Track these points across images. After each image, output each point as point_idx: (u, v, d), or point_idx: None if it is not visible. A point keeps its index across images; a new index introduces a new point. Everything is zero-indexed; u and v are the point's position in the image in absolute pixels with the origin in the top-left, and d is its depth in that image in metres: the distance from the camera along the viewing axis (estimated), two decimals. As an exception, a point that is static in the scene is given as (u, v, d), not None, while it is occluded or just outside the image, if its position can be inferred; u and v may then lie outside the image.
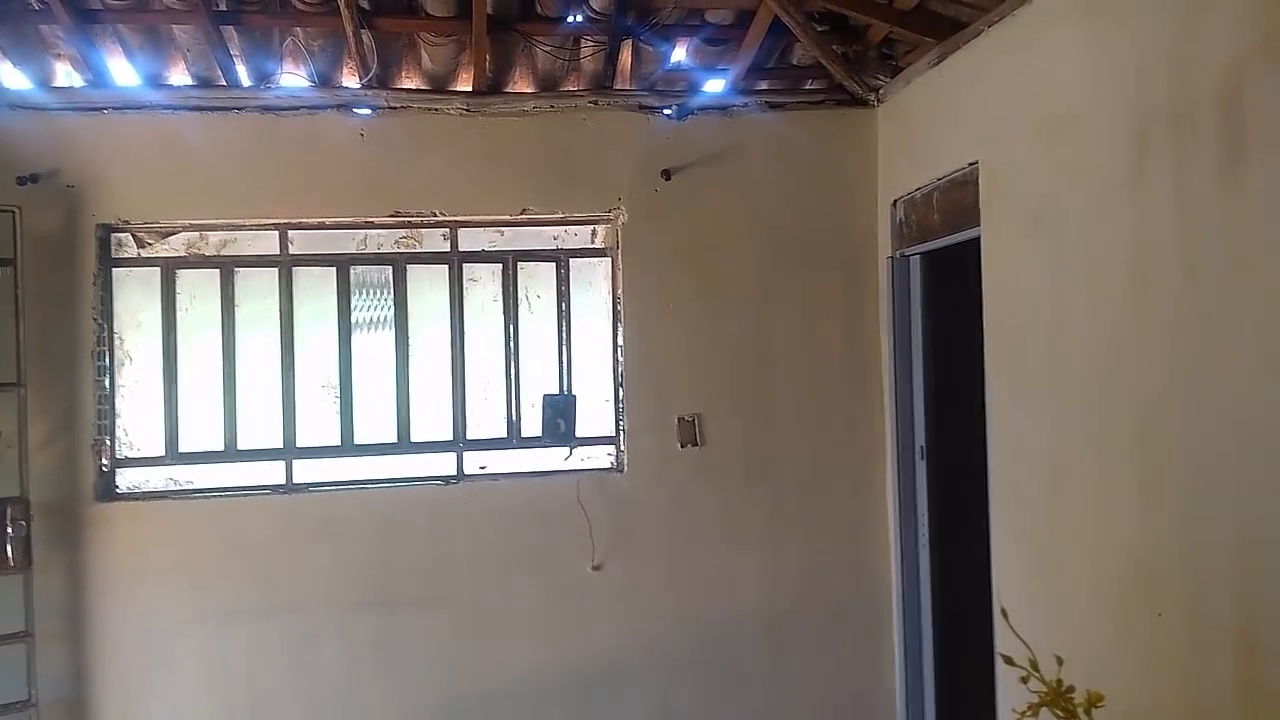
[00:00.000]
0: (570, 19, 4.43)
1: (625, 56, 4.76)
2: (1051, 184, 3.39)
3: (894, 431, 4.81)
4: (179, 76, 4.60)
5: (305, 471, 4.71)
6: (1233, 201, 2.53)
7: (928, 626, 4.71)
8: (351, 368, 4.76)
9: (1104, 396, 3.11)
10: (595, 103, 4.79)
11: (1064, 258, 3.32)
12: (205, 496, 4.62)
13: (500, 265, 4.88)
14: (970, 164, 3.98)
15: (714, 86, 4.85)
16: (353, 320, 4.79)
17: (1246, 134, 2.48)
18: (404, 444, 4.78)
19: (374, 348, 4.80)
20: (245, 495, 4.63)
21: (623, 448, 4.85)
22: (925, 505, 4.71)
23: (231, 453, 4.68)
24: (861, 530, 4.92)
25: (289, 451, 4.70)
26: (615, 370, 4.90)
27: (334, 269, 4.77)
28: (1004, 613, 2.28)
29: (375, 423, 4.78)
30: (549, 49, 4.61)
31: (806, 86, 5.01)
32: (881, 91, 4.87)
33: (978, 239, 3.91)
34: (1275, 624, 2.43)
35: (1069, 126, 3.27)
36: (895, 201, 4.78)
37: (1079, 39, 3.22)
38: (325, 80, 4.65)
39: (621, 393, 4.85)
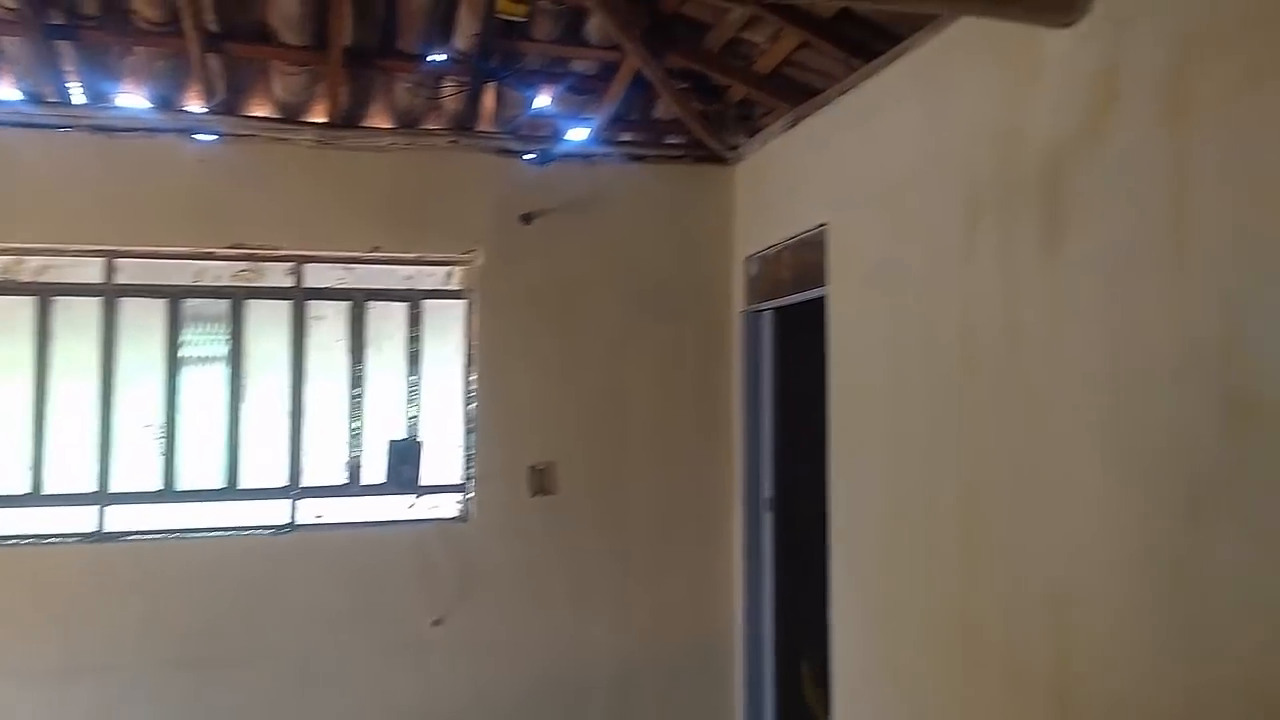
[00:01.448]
0: (432, 58, 4.36)
1: (488, 99, 4.71)
2: (892, 248, 3.51)
3: (742, 482, 4.84)
4: (5, 90, 4.27)
5: (120, 518, 4.36)
6: (1051, 272, 2.66)
7: (769, 675, 4.73)
8: (178, 407, 4.46)
9: (934, 453, 3.21)
10: (455, 143, 4.71)
11: (901, 319, 3.43)
12: (3, 544, 4.20)
13: (348, 304, 4.70)
14: (819, 225, 4.09)
15: (577, 135, 4.86)
16: (182, 356, 4.50)
17: (1064, 211, 2.62)
18: (232, 490, 4.50)
19: (205, 386, 4.52)
20: (50, 543, 4.24)
21: (471, 496, 4.71)
22: (770, 555, 4.74)
23: (37, 497, 4.29)
24: (709, 580, 4.91)
25: (102, 496, 4.35)
26: (466, 416, 4.77)
27: (164, 301, 4.48)
28: (811, 676, 2.27)
29: (201, 467, 4.48)
30: (409, 86, 4.52)
31: (668, 141, 5.08)
32: (739, 150, 4.98)
33: (825, 297, 4.01)
34: (1084, 675, 2.51)
35: (908, 194, 3.40)
36: (749, 257, 4.87)
37: (918, 112, 3.36)
38: (167, 103, 4.41)
39: (472, 439, 4.72)
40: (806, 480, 4.37)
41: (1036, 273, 2.73)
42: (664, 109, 4.91)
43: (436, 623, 4.56)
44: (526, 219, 4.75)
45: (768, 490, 4.76)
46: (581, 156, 4.89)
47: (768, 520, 4.76)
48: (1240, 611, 2.05)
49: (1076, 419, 2.56)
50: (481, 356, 4.72)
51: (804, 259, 4.29)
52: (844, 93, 3.91)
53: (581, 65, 4.60)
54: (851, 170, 3.85)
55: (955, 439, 3.10)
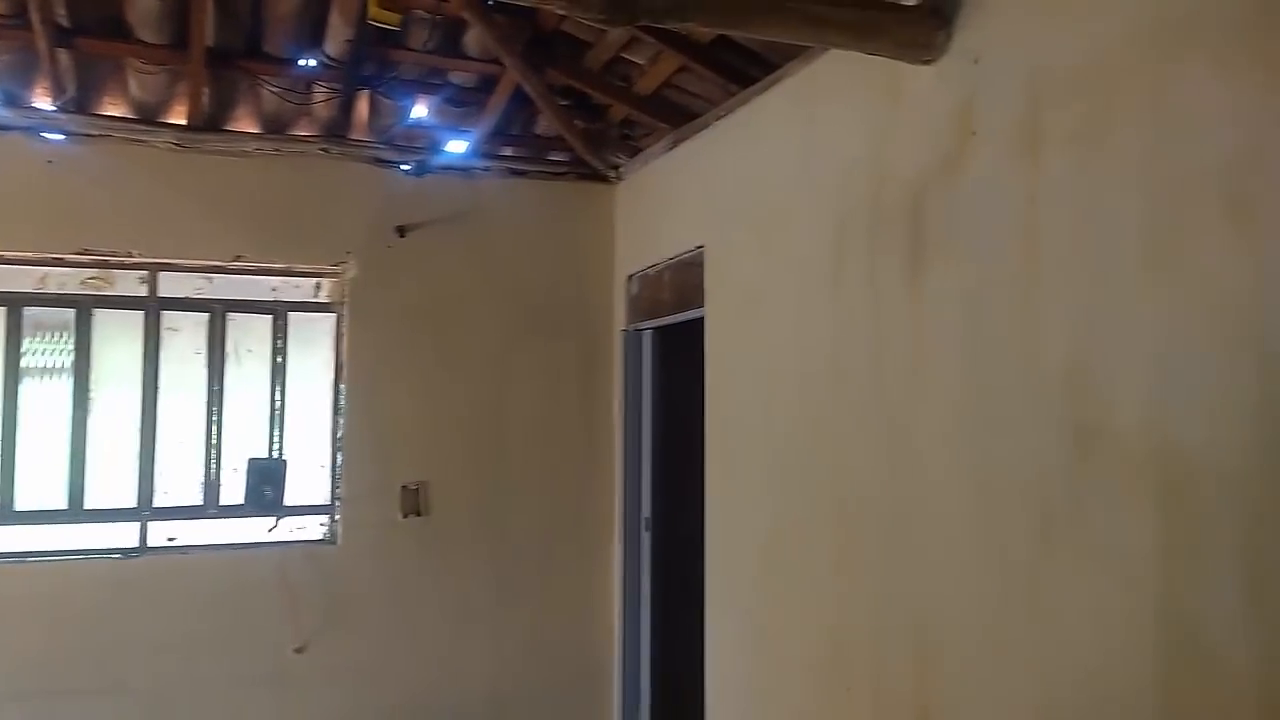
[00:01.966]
0: (302, 62, 4.21)
1: (362, 107, 4.58)
2: (766, 273, 3.54)
3: (622, 502, 4.82)
4: None
5: (-52, 542, 4.03)
6: (914, 302, 2.73)
7: (645, 697, 4.70)
8: (16, 422, 4.16)
9: (806, 477, 3.24)
10: (327, 151, 4.55)
11: (775, 343, 3.47)
12: None
13: (207, 315, 4.48)
14: (698, 247, 4.10)
15: (456, 147, 4.77)
16: (22, 367, 4.20)
17: (926, 242, 2.69)
18: (77, 511, 4.21)
19: (47, 400, 4.23)
20: None
21: (338, 517, 4.54)
22: (649, 576, 4.72)
23: None
24: (588, 602, 4.86)
25: (-71, 518, 4.01)
26: (335, 434, 4.60)
27: (4, 309, 4.18)
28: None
29: (43, 486, 4.18)
30: (277, 90, 4.34)
31: (550, 157, 5.03)
32: (621, 169, 4.97)
33: (704, 319, 4.02)
34: (944, 697, 2.56)
35: (782, 220, 3.44)
36: (631, 276, 4.86)
37: (792, 139, 3.41)
38: (12, 99, 4.12)
39: (340, 458, 4.55)
40: (688, 501, 4.38)
41: (901, 301, 2.79)
42: (546, 125, 4.87)
43: (299, 650, 4.36)
44: (401, 231, 4.63)
45: (647, 510, 4.75)
46: (460, 170, 4.80)
47: (647, 541, 4.74)
48: (1086, 631, 2.12)
49: (939, 445, 2.62)
50: (352, 372, 4.56)
51: (683, 280, 4.31)
52: (722, 117, 3.95)
53: (460, 77, 4.51)
54: (729, 194, 3.88)
55: (826, 463, 3.14)
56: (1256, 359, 1.76)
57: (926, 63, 2.69)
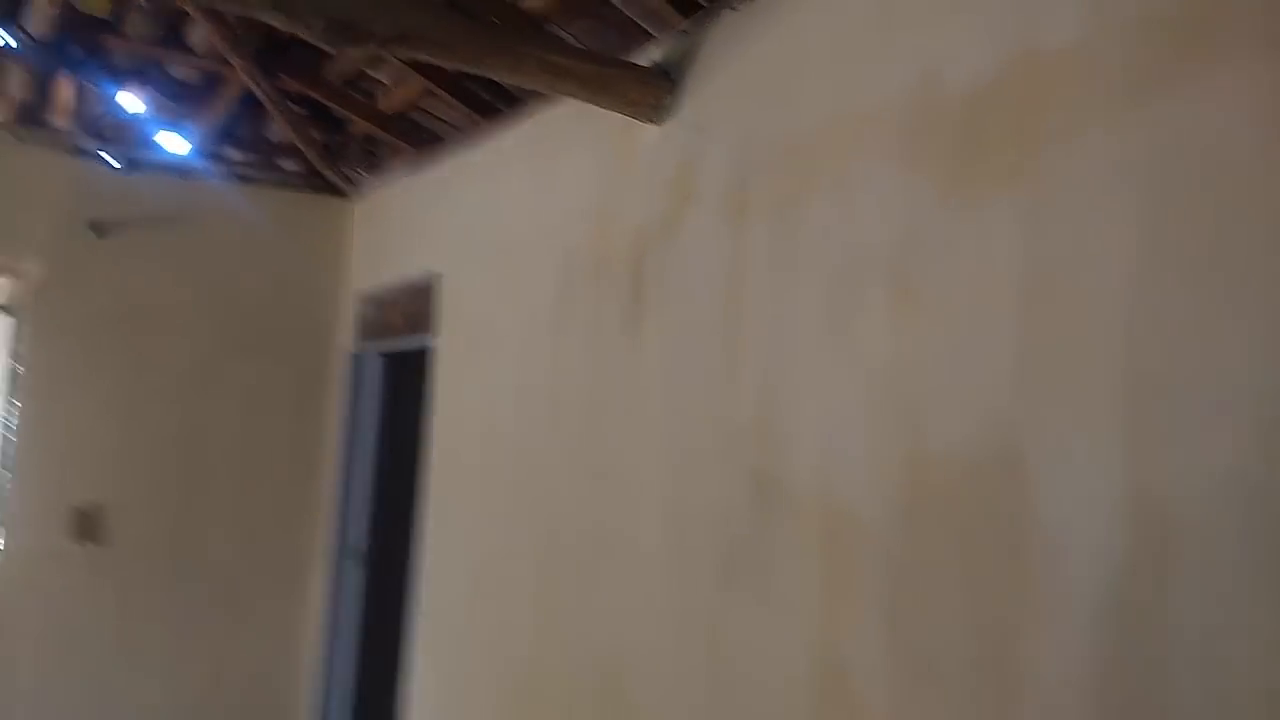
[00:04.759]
0: (-6, 34, 3.74)
1: (65, 92, 4.13)
2: (495, 309, 3.54)
3: (333, 534, 4.60)
4: None
5: None
6: (630, 352, 2.82)
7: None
8: None
9: (517, 515, 3.25)
10: (17, 136, 4.06)
11: (499, 378, 3.46)
12: None
13: None
14: (432, 274, 4.03)
15: (174, 145, 4.41)
16: None
17: (644, 295, 2.79)
18: None
19: None
20: None
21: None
22: (357, 611, 4.53)
23: None
24: (286, 639, 4.59)
25: None
26: (2, 450, 4.07)
27: None
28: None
29: None
30: (-43, 60, 3.83)
31: (281, 166, 4.77)
32: (360, 186, 4.81)
33: (433, 348, 3.95)
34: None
35: (514, 258, 3.46)
36: (363, 297, 4.69)
37: (530, 180, 3.44)
38: None
39: (5, 477, 4.03)
40: (409, 534, 4.25)
41: (619, 349, 2.87)
42: (279, 132, 4.61)
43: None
44: (99, 230, 4.20)
45: (361, 542, 4.56)
46: (177, 169, 4.44)
47: (357, 575, 4.55)
48: (754, 672, 2.26)
49: (641, 489, 2.71)
50: (29, 382, 4.07)
51: (416, 306, 4.21)
52: (465, 146, 3.92)
53: (181, 71, 4.19)
54: (467, 224, 3.85)
55: (537, 502, 3.16)
56: (902, 423, 1.96)
57: (655, 122, 2.80)
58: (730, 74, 2.58)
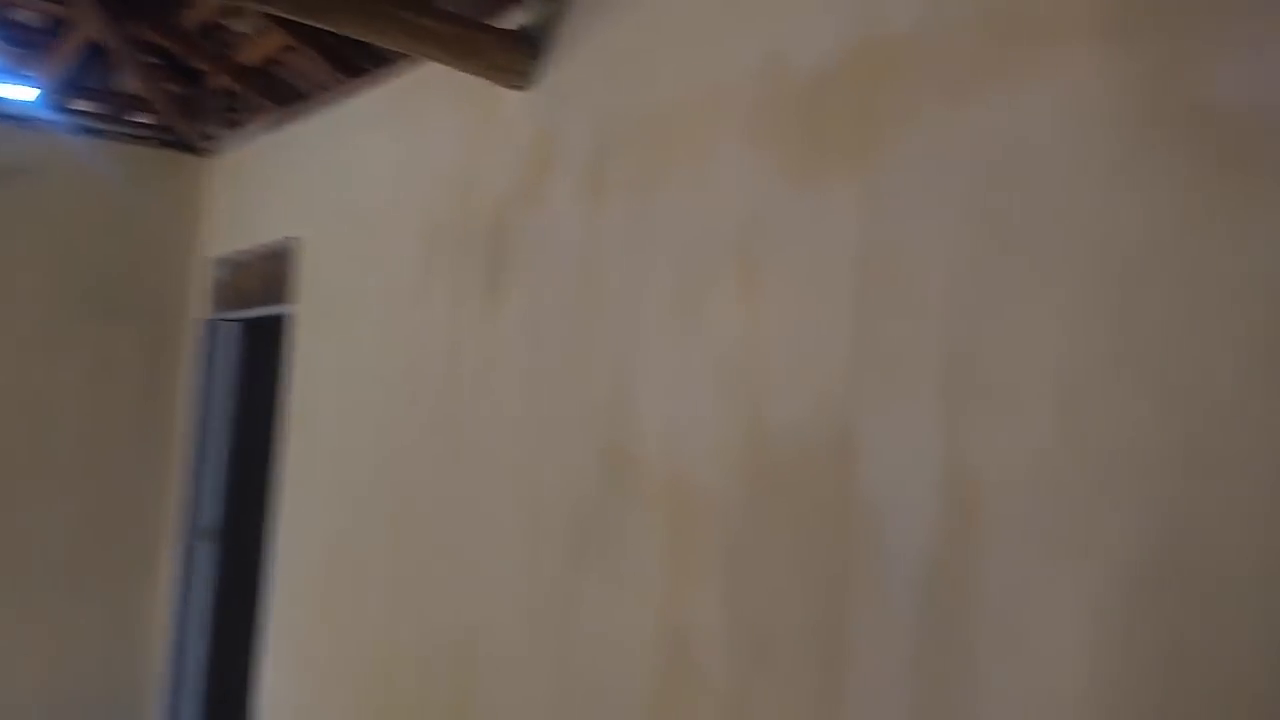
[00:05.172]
0: None
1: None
2: (356, 276, 3.43)
3: (183, 511, 4.40)
4: None
5: None
6: (489, 323, 2.76)
7: (194, 723, 4.33)
8: None
9: (374, 491, 3.17)
10: None
11: (359, 349, 3.36)
12: None
13: None
14: (292, 238, 3.87)
15: (18, 94, 4.10)
16: None
17: (504, 266, 2.73)
18: None
19: None
20: None
21: None
22: (208, 594, 4.35)
23: None
24: (131, 623, 4.38)
25: None
26: None
27: None
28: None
29: None
30: None
31: (132, 119, 4.50)
32: (218, 143, 4.58)
33: (291, 315, 3.80)
34: (479, 714, 2.61)
35: (376, 224, 3.35)
36: (219, 261, 4.48)
37: (394, 143, 3.33)
38: None
39: None
40: (266, 511, 4.10)
41: (478, 321, 2.81)
42: (130, 83, 4.34)
43: None
44: (-78, 180, 3.89)
45: (214, 521, 4.37)
46: (14, 118, 4.14)
47: (210, 555, 4.36)
48: (603, 647, 2.25)
49: (498, 465, 2.66)
50: None
51: (275, 271, 4.04)
52: (328, 105, 3.77)
53: (23, 15, 3.89)
54: (328, 187, 3.71)
55: (394, 478, 3.08)
56: (746, 402, 1.97)
57: (518, 89, 2.74)
58: (592, 44, 2.54)
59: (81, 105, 4.35)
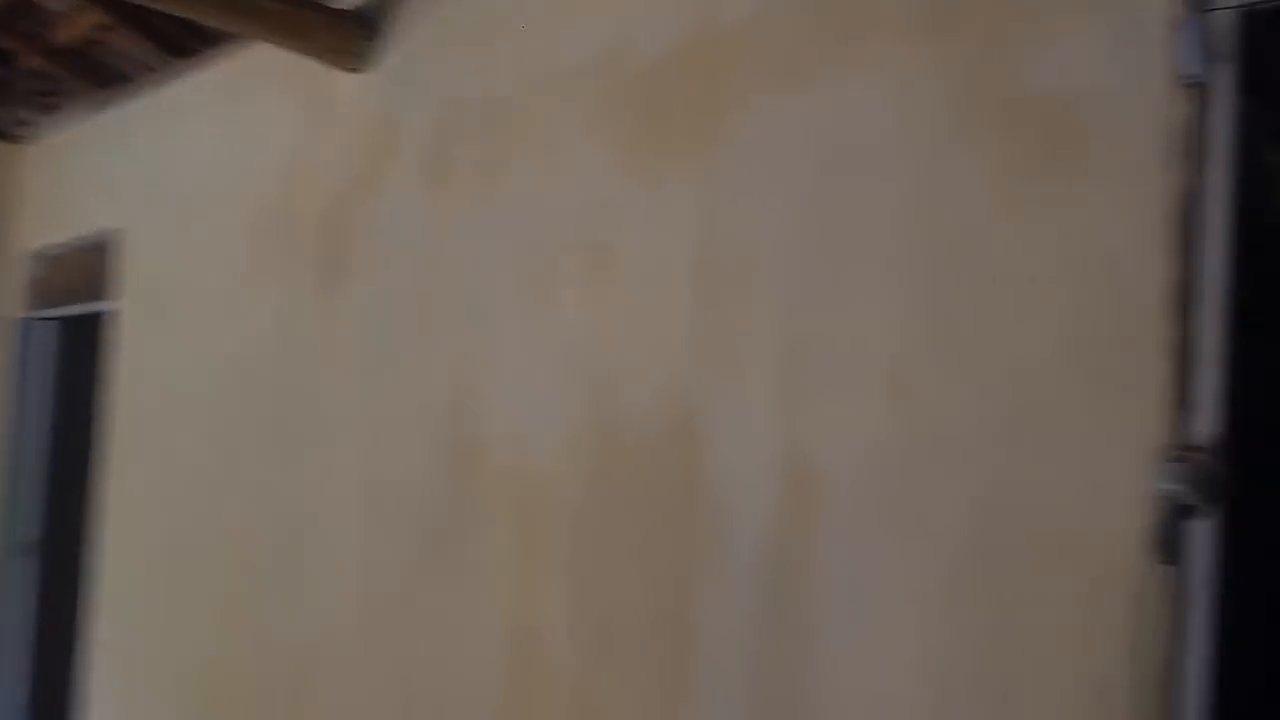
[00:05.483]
0: None
1: None
2: (182, 268, 3.24)
3: (1, 523, 4.06)
4: None
5: None
6: (326, 317, 2.65)
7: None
8: None
9: (207, 497, 3.00)
10: None
11: (185, 346, 3.17)
12: None
13: None
14: (113, 229, 3.62)
15: None
16: None
17: (342, 257, 2.62)
18: None
19: None
20: None
21: None
22: (28, 609, 4.03)
23: None
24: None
25: None
26: None
27: None
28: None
29: None
30: None
31: (-69, 101, 4.11)
32: (32, 129, 4.23)
33: (113, 312, 3.55)
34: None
35: (203, 213, 3.17)
36: (33, 255, 4.15)
37: (222, 128, 3.15)
38: None
39: None
40: (86, 523, 3.82)
41: (315, 315, 2.69)
42: (-73, 60, 3.96)
43: None
44: None
45: (32, 533, 4.05)
46: None
47: (28, 569, 4.03)
48: (452, 645, 2.19)
49: (338, 465, 2.55)
50: None
51: (95, 265, 3.76)
52: (152, 88, 3.53)
53: None
54: (152, 175, 3.48)
55: (227, 482, 2.92)
56: (592, 392, 1.95)
57: (353, 71, 2.63)
58: (432, 27, 2.46)
59: None
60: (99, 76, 3.85)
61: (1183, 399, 1.25)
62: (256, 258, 2.89)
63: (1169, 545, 1.22)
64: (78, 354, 4.11)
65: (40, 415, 4.10)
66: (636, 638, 1.84)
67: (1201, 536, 1.23)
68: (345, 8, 2.62)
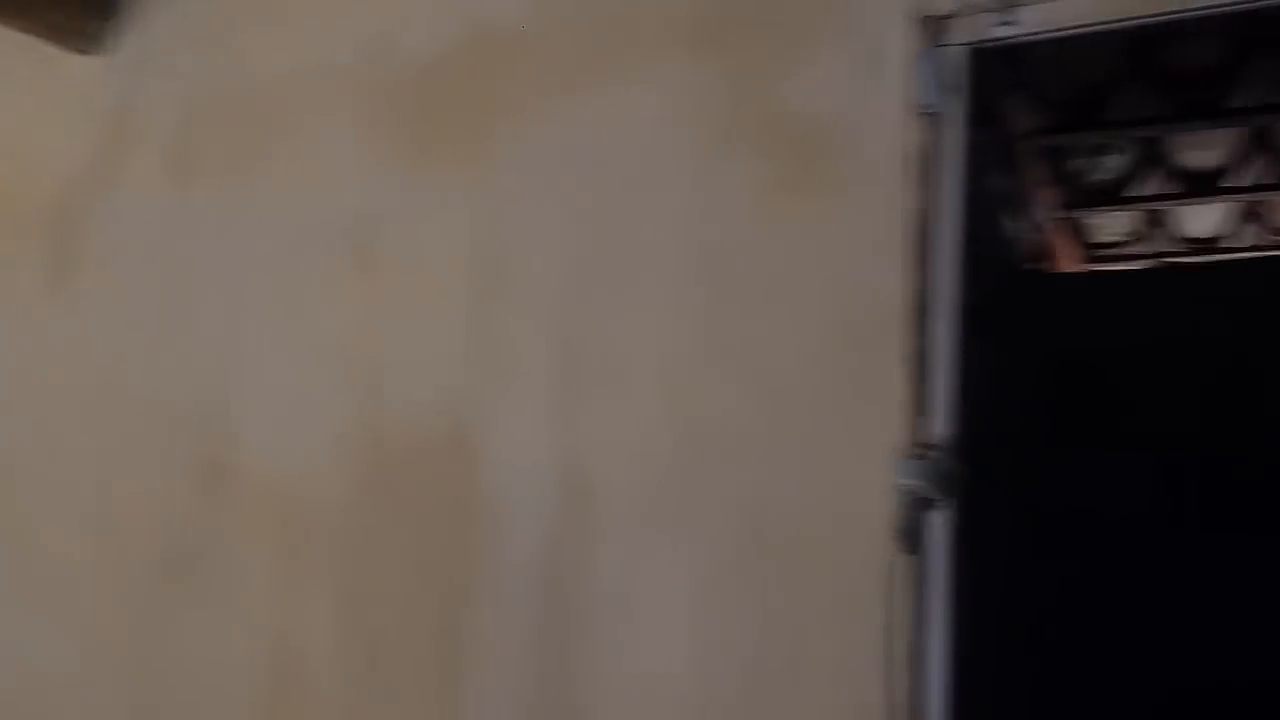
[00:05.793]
0: None
1: None
2: None
3: None
4: None
5: None
6: (55, 319, 2.37)
7: None
8: None
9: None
10: None
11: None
12: None
13: None
14: None
15: None
16: None
17: (74, 254, 2.36)
18: None
19: None
20: None
21: None
22: None
23: None
24: None
25: None
26: None
27: None
28: None
29: None
30: None
31: None
32: None
33: None
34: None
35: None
36: None
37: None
38: None
39: None
40: None
41: (38, 319, 2.40)
42: None
43: None
44: None
45: None
46: None
47: None
48: (208, 671, 2.01)
49: (67, 488, 2.29)
50: None
51: None
52: None
53: None
54: None
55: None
56: (360, 402, 1.87)
57: (87, 54, 2.38)
58: (180, 10, 2.27)
59: None
60: None
61: (921, 402, 1.36)
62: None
63: (911, 536, 1.32)
64: None
65: None
66: (408, 656, 1.77)
67: (939, 527, 1.34)
68: (76, -18, 2.37)
